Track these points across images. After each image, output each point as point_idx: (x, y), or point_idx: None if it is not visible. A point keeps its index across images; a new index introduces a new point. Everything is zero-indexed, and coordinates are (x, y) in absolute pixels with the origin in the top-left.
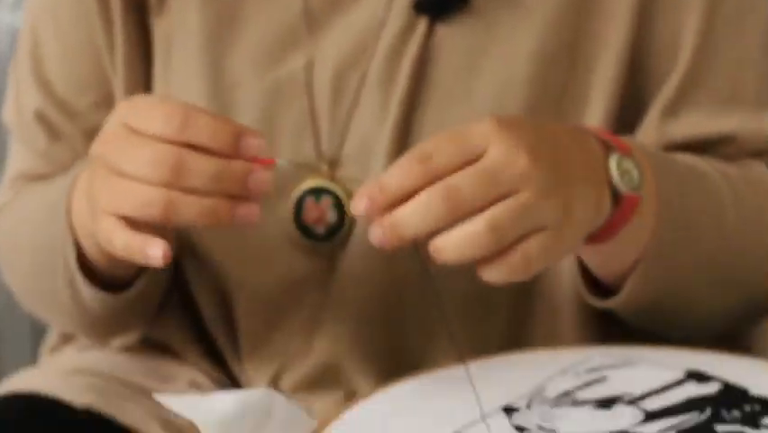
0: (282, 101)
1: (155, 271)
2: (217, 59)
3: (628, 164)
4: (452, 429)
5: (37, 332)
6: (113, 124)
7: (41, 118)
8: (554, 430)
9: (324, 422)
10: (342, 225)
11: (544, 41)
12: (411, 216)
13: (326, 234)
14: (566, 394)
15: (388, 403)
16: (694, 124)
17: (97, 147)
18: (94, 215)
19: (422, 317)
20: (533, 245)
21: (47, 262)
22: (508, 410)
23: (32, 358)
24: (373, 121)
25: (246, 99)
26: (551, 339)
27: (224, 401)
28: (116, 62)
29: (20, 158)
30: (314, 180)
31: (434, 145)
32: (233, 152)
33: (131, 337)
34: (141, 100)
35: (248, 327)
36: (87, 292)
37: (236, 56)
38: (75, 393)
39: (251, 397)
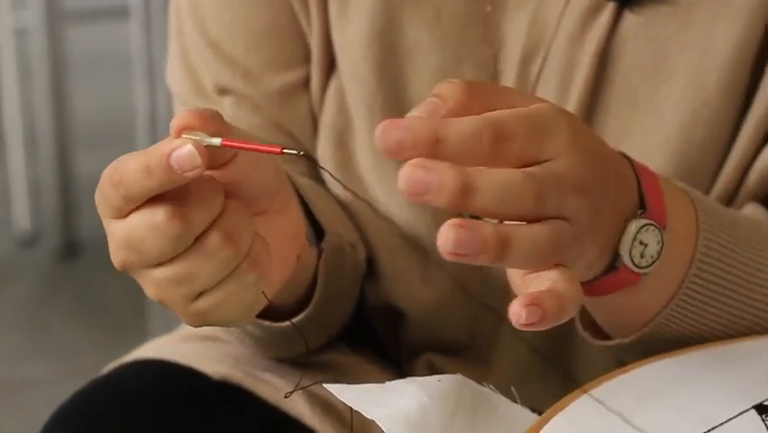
0: (463, 73)
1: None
2: (392, 17)
3: (650, 237)
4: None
5: None
6: None
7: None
8: None
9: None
10: None
11: (745, 42)
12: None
13: None
14: None
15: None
16: None
17: None
18: None
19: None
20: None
21: None
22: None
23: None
24: None
25: (420, 68)
26: None
27: (409, 394)
28: (311, 13)
29: None
30: None
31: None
32: None
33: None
34: None
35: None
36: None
37: (413, 20)
38: (211, 362)
39: (440, 386)
